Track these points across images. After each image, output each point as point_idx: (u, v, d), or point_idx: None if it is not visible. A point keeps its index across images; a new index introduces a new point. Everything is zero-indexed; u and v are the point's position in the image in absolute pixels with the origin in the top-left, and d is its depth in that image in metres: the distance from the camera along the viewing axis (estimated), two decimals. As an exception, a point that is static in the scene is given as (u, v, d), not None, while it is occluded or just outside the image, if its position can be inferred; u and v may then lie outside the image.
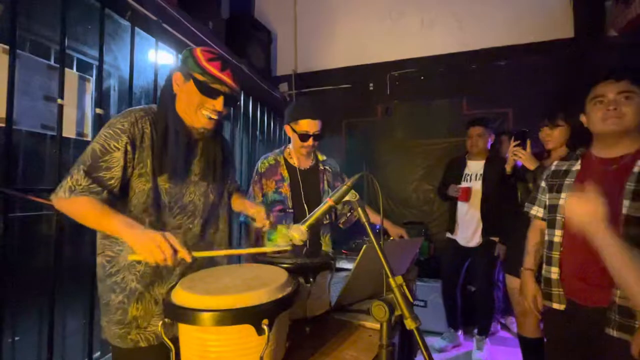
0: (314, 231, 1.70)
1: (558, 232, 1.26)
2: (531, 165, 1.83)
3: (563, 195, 1.26)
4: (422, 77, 3.45)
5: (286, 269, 0.91)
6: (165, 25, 1.98)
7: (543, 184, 1.39)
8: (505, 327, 2.91)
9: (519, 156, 1.88)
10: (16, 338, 1.64)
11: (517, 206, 2.16)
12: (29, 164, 1.68)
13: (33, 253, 1.58)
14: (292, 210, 1.67)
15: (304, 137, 1.62)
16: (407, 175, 3.46)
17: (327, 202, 0.90)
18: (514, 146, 1.91)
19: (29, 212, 1.64)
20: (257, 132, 3.15)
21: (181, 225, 1.09)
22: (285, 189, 1.68)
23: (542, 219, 1.38)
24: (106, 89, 2.07)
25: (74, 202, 0.92)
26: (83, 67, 1.88)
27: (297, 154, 1.72)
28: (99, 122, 1.63)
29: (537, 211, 1.42)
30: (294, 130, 1.64)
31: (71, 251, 1.77)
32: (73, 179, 0.93)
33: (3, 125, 1.31)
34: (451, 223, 2.64)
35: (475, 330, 2.55)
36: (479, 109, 3.23)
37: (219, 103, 1.05)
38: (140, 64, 1.93)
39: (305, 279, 0.97)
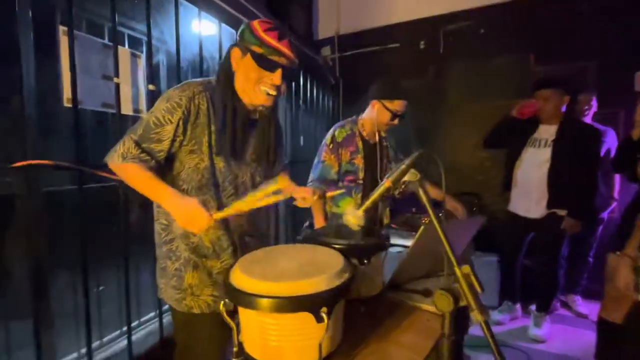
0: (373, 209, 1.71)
1: None
2: None
3: None
4: (481, 31, 3.05)
5: (340, 250, 0.88)
6: (206, -8, 1.91)
7: None
8: (565, 304, 2.72)
9: None
10: (101, 287, 1.89)
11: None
12: (95, 141, 1.81)
13: (106, 218, 1.74)
14: (362, 182, 1.72)
15: (394, 115, 1.68)
16: (460, 142, 3.18)
17: (384, 184, 0.84)
18: None
19: (100, 184, 1.79)
20: (300, 101, 3.07)
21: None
22: (359, 160, 1.72)
23: None
24: (155, 64, 2.10)
25: (126, 168, 0.97)
26: (133, 43, 1.92)
27: (372, 128, 1.75)
28: (151, 98, 1.67)
29: None
30: (386, 108, 1.67)
31: (138, 216, 1.92)
32: (125, 146, 0.97)
33: (70, 105, 1.39)
34: (506, 187, 2.41)
35: (533, 307, 2.41)
36: (551, 65, 2.80)
37: (277, 76, 1.00)
38: (185, 37, 1.91)
39: (359, 260, 0.94)
